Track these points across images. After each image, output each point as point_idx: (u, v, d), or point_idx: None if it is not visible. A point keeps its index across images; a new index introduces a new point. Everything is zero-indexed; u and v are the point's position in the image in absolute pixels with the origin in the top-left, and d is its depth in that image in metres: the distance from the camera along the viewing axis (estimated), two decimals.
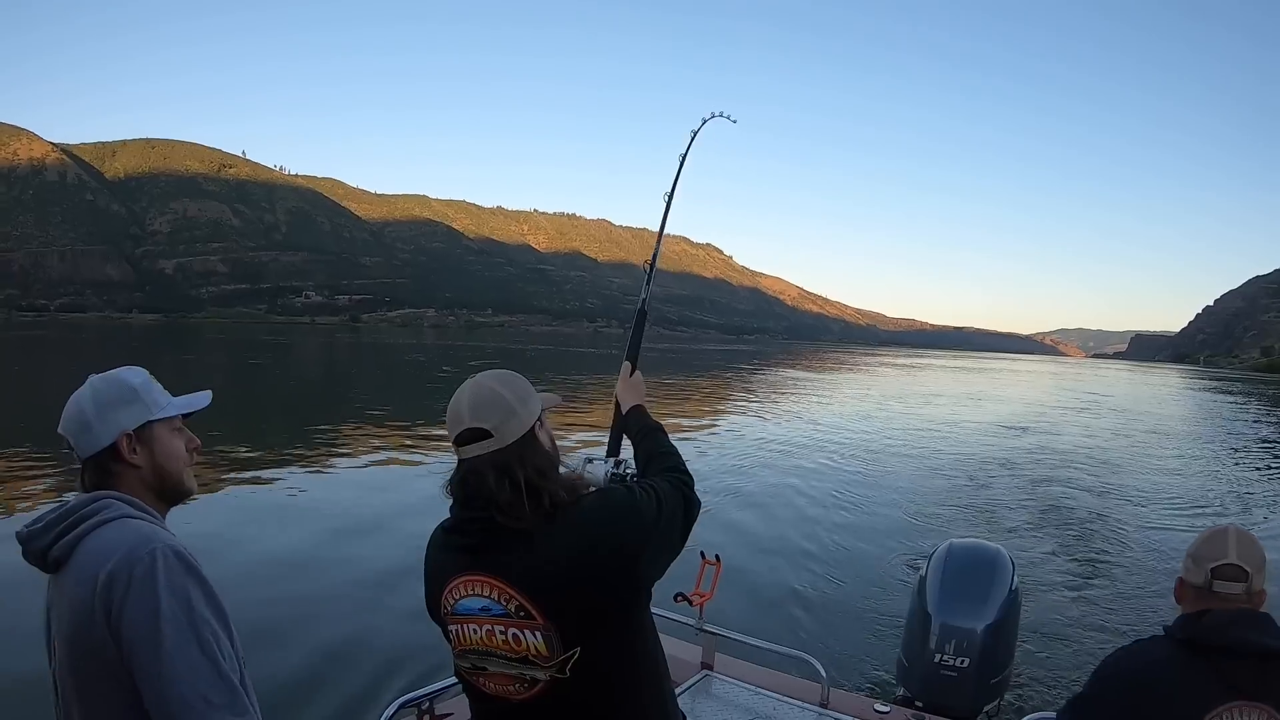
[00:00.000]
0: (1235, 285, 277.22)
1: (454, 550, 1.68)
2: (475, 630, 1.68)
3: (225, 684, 1.39)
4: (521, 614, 1.62)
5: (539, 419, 1.71)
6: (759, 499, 12.68)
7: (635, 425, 2.10)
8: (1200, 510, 14.37)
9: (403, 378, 40.19)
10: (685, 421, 23.13)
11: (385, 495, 12.09)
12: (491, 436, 1.63)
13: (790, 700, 2.90)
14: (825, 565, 9.23)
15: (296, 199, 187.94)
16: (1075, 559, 10.01)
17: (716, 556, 2.70)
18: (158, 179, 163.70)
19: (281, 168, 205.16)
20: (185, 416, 1.65)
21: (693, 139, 2.92)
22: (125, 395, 1.55)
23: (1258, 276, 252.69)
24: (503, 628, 1.64)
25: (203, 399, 1.69)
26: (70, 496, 1.54)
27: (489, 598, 1.65)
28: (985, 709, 3.85)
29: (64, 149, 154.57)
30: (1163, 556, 10.25)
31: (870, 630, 6.97)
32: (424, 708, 2.47)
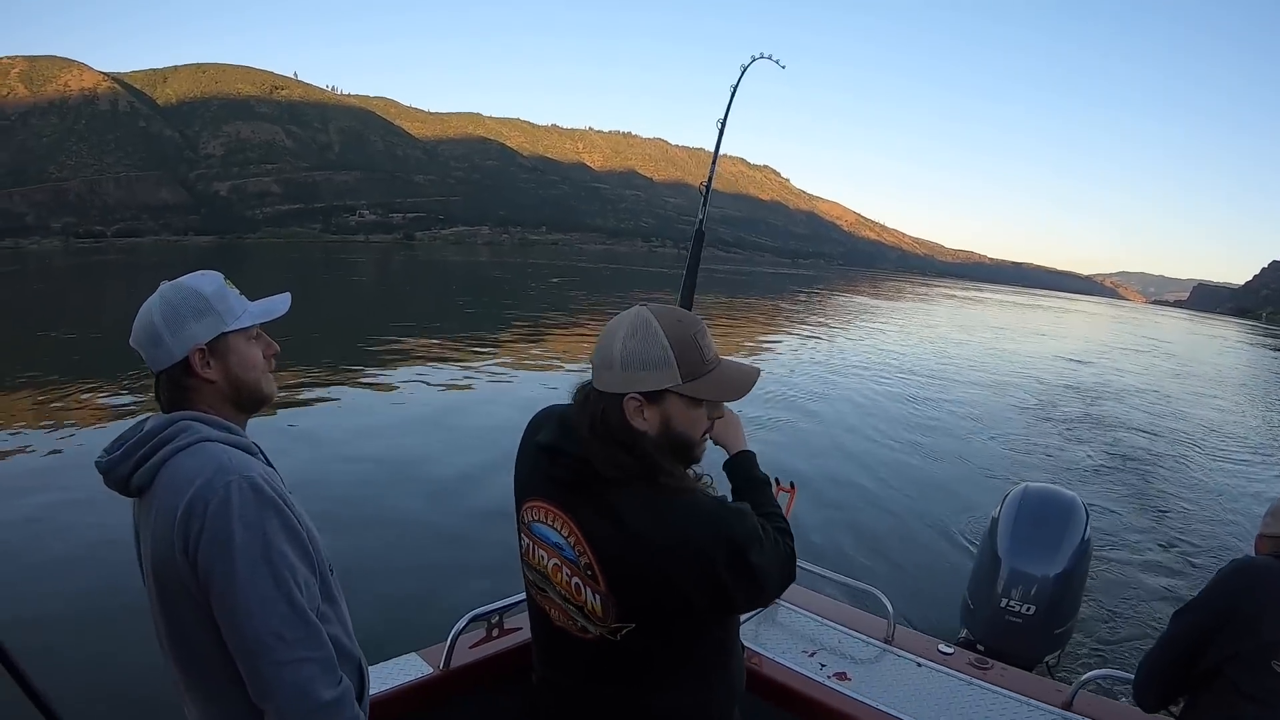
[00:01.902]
0: None
1: (543, 470, 1.62)
2: (544, 558, 1.65)
3: (300, 619, 1.36)
4: (589, 572, 1.58)
5: (646, 395, 1.56)
6: (829, 426, 12.77)
7: (743, 473, 1.93)
8: (1270, 464, 14.13)
9: (495, 292, 40.66)
10: (748, 344, 23.15)
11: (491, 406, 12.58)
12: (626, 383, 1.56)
13: (855, 634, 2.84)
14: (895, 497, 9.31)
15: (349, 119, 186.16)
16: (1144, 510, 9.83)
17: (791, 483, 2.46)
18: (210, 103, 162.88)
19: (333, 88, 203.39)
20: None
21: (742, 73, 3.05)
22: (197, 306, 1.50)
23: None
24: (569, 571, 1.61)
25: (281, 304, 1.61)
26: (147, 417, 1.50)
27: (565, 538, 1.60)
28: (1046, 659, 3.94)
29: (115, 78, 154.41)
30: (1234, 515, 10.00)
31: (937, 568, 6.99)
32: (493, 621, 2.52)
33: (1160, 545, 8.60)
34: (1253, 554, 1.99)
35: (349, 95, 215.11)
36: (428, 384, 14.47)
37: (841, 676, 2.56)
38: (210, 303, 1.51)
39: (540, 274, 57.59)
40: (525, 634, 2.27)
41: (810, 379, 17.56)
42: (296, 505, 1.46)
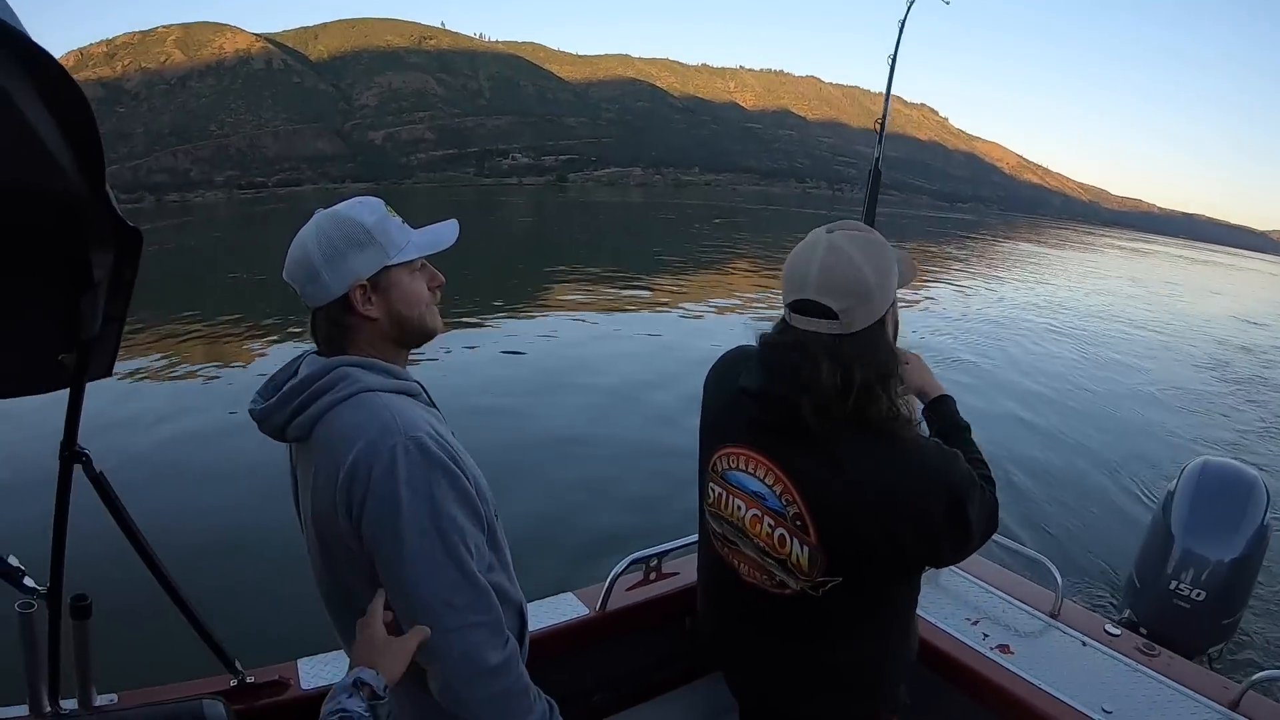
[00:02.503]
0: None
1: (745, 415, 1.54)
2: (740, 508, 1.59)
3: (469, 583, 1.33)
4: (798, 523, 1.51)
5: (893, 304, 1.52)
6: (993, 381, 12.62)
7: (946, 418, 1.82)
8: None
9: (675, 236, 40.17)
10: (909, 294, 21.40)
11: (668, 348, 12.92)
12: (836, 319, 1.43)
13: (1020, 605, 2.77)
14: (1062, 460, 9.10)
15: (498, 65, 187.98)
16: None
17: None
18: (360, 56, 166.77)
19: (481, 35, 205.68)
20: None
21: (909, 8, 2.94)
22: (358, 237, 1.41)
23: None
24: (773, 523, 1.54)
25: (449, 232, 1.53)
26: (302, 356, 1.47)
27: (770, 487, 1.53)
28: (1209, 650, 3.75)
29: (267, 38, 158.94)
30: None
31: (1104, 540, 6.74)
32: (652, 564, 2.57)
33: None
34: None
35: (497, 42, 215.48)
36: (607, 323, 14.51)
37: (1004, 649, 2.50)
38: (372, 234, 1.42)
39: (701, 215, 56.56)
40: (683, 579, 2.50)
41: (973, 331, 17.25)
42: (464, 456, 1.40)
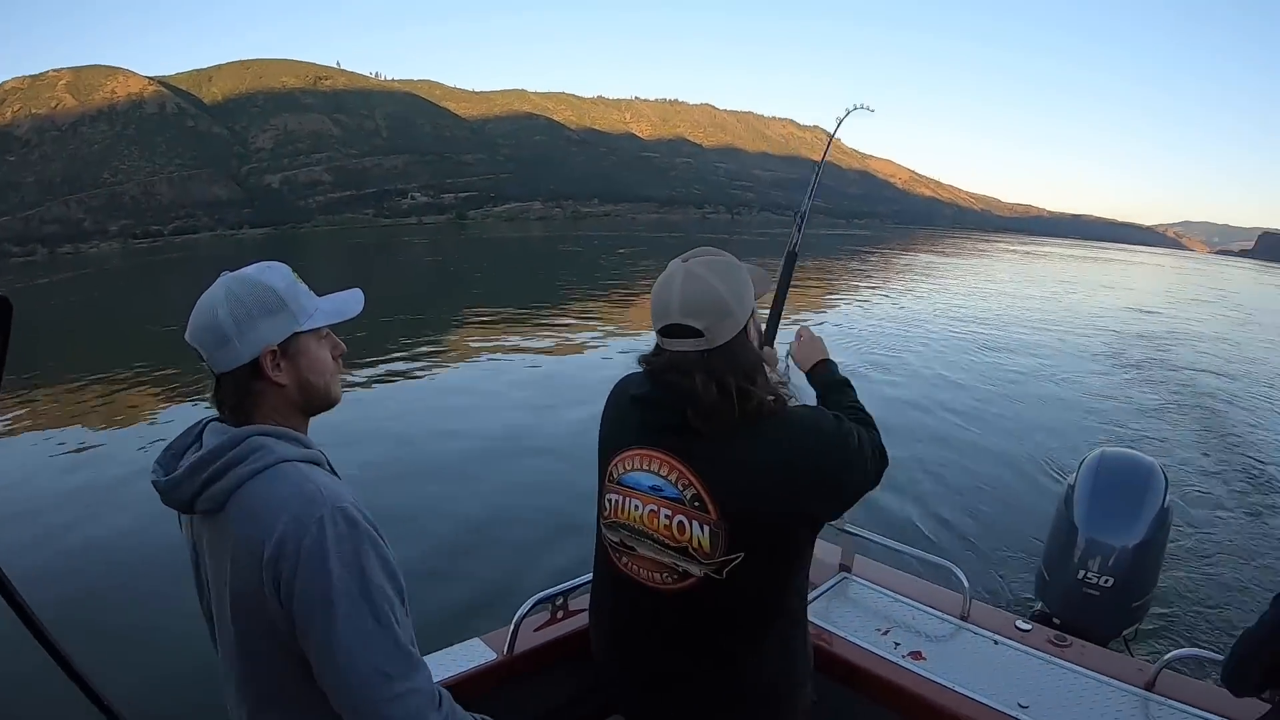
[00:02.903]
0: None
1: (638, 420, 1.65)
2: (637, 507, 1.65)
3: (401, 653, 1.33)
4: (696, 503, 1.58)
5: (752, 312, 1.64)
6: (896, 391, 12.62)
7: (824, 382, 2.02)
8: None
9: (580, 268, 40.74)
10: (814, 304, 23.56)
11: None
12: (701, 336, 1.56)
13: (930, 610, 2.79)
14: (965, 464, 9.13)
15: (395, 104, 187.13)
16: (1229, 474, 9.52)
17: None
18: (255, 98, 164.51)
19: (377, 74, 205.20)
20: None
21: (838, 125, 3.06)
22: (269, 302, 1.40)
23: None
24: (669, 512, 1.61)
25: (354, 302, 1.53)
26: (201, 425, 1.44)
27: (665, 478, 1.61)
28: (1123, 633, 3.81)
29: (160, 81, 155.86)
30: None
31: (1011, 538, 6.80)
32: (558, 603, 2.55)
33: (1248, 513, 8.16)
34: None
35: (393, 80, 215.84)
36: (498, 360, 14.38)
37: (916, 655, 2.52)
38: (284, 300, 1.40)
39: (607, 246, 57.73)
40: None
41: (871, 342, 17.49)
42: (375, 525, 1.39)
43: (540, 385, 12.74)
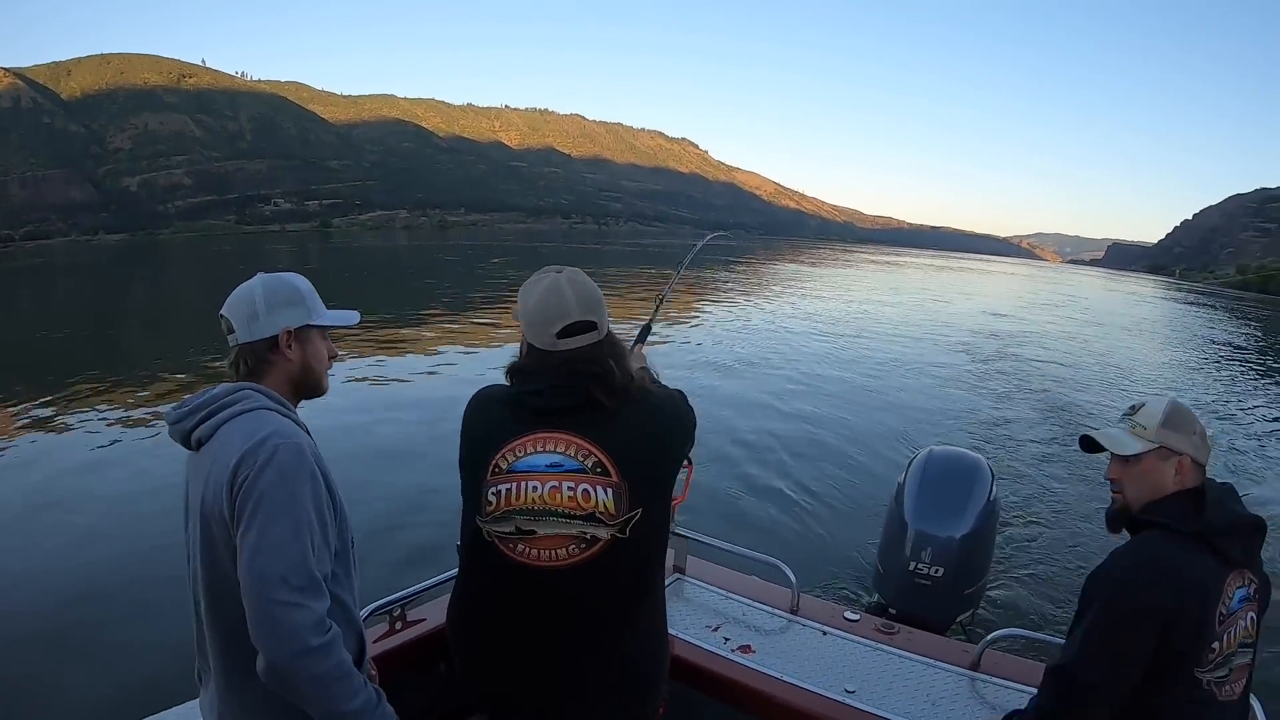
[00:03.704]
0: (1215, 201, 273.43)
1: (526, 411, 1.79)
2: (535, 488, 1.75)
3: (306, 571, 1.49)
4: (599, 469, 1.74)
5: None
6: (735, 398, 12.57)
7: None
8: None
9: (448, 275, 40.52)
10: (672, 313, 22.50)
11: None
12: (596, 329, 1.80)
13: (760, 606, 2.91)
14: (802, 468, 9.20)
15: (260, 105, 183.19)
16: (1060, 461, 10.08)
17: (689, 459, 2.55)
18: (116, 95, 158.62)
19: (243, 74, 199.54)
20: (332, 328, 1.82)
21: (694, 252, 3.62)
22: (293, 296, 1.72)
23: (1238, 194, 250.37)
24: (572, 483, 1.74)
25: (353, 317, 1.86)
26: (216, 386, 1.69)
27: (564, 454, 1.75)
28: (959, 619, 3.92)
29: (16, 73, 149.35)
30: None
31: (846, 537, 7.00)
32: (395, 614, 2.47)
33: (1084, 496, 8.54)
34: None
35: (259, 81, 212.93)
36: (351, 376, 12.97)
37: (746, 650, 2.58)
38: (304, 297, 1.75)
39: (481, 255, 57.08)
40: (432, 623, 2.44)
41: (723, 347, 17.64)
42: (333, 482, 1.64)
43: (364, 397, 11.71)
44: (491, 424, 1.83)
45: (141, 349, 17.14)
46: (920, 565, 3.79)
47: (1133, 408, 1.91)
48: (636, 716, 1.92)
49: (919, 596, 3.80)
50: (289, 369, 1.73)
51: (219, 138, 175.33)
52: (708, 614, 2.81)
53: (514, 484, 1.76)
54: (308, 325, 1.73)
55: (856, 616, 2.85)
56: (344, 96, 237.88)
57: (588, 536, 1.74)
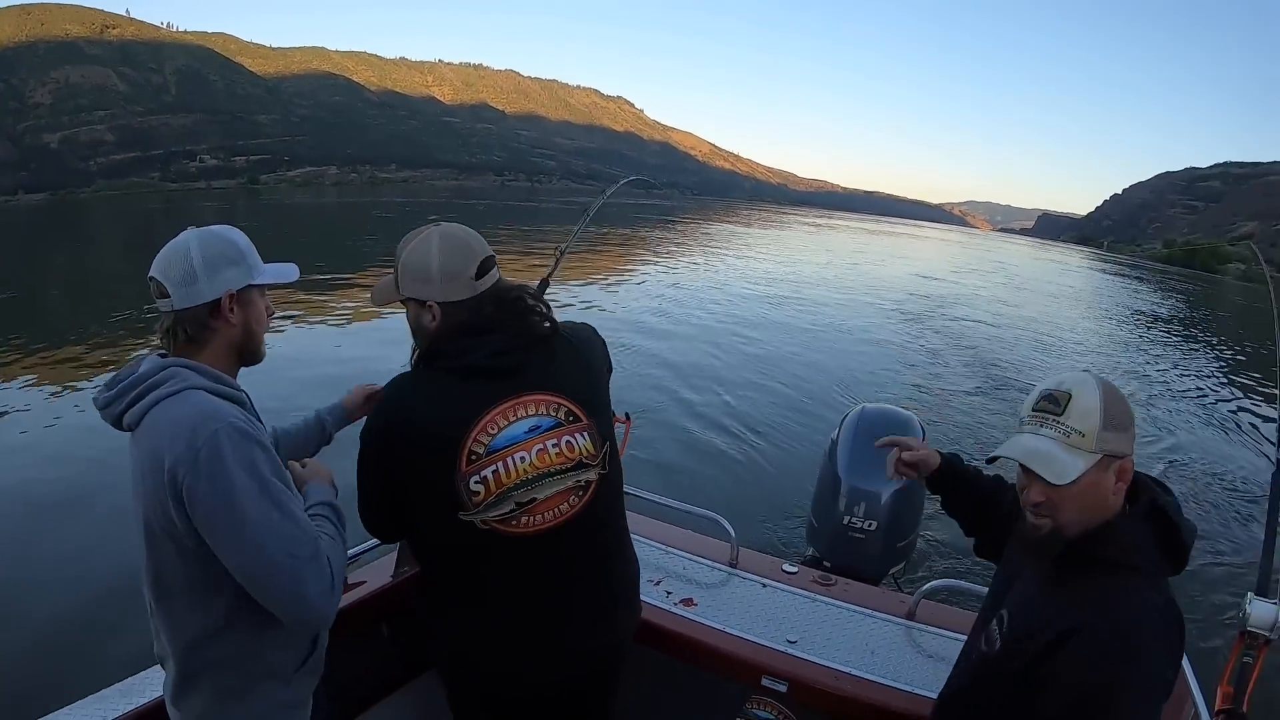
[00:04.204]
0: (1144, 178, 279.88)
1: (486, 384, 1.75)
2: (524, 458, 1.74)
3: (305, 535, 1.51)
4: (571, 418, 1.79)
5: None
6: (672, 356, 12.66)
7: None
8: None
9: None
10: (606, 271, 23.73)
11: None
12: (495, 268, 1.81)
13: (700, 559, 2.91)
14: (738, 425, 9.33)
15: (186, 57, 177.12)
16: (986, 422, 10.55)
17: (626, 414, 2.66)
18: (36, 47, 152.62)
19: (169, 24, 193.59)
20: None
21: (606, 195, 3.73)
22: (233, 254, 1.63)
23: (1168, 172, 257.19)
24: (555, 440, 1.77)
25: (292, 271, 1.78)
26: (143, 356, 1.62)
27: (538, 414, 1.76)
28: (891, 571, 3.96)
29: None
30: None
31: (785, 491, 7.01)
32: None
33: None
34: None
35: (185, 32, 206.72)
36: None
37: (688, 603, 2.62)
38: (245, 255, 1.65)
39: (420, 212, 53.68)
40: (372, 585, 2.48)
41: (659, 307, 17.71)
42: (262, 436, 1.58)
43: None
44: (447, 413, 1.74)
45: (67, 316, 16.37)
46: (853, 519, 3.83)
47: (1053, 399, 1.45)
48: (630, 625, 2.10)
49: (853, 549, 3.84)
50: (231, 335, 1.66)
51: (143, 91, 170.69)
52: (649, 568, 2.76)
53: (500, 463, 1.73)
54: (250, 285, 1.66)
55: (794, 569, 2.91)
56: (273, 49, 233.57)
57: (582, 483, 1.80)
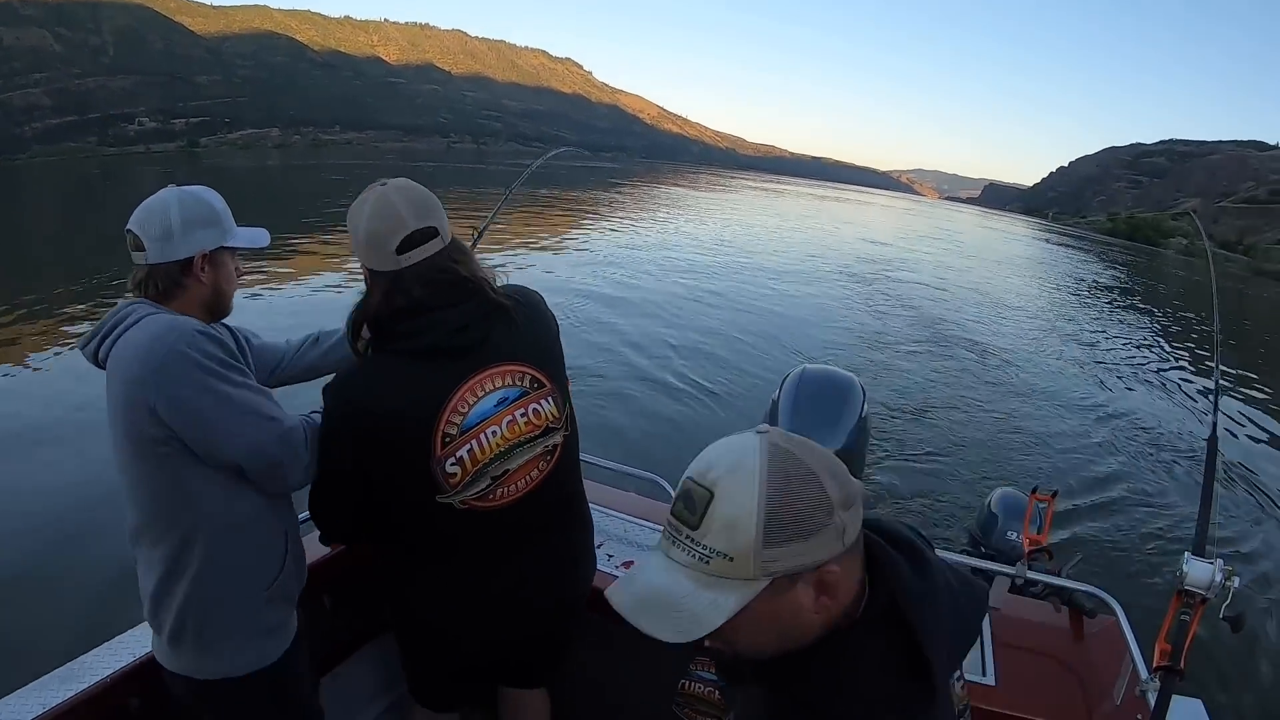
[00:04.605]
0: (1090, 152, 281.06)
1: (451, 362, 1.69)
2: (495, 432, 1.71)
3: (267, 414, 1.60)
4: (535, 385, 1.77)
5: None
6: (615, 318, 12.67)
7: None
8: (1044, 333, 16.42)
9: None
10: (547, 237, 23.25)
11: None
12: (439, 235, 1.69)
13: (641, 522, 2.86)
14: (687, 386, 9.32)
15: (124, 17, 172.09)
16: (930, 379, 10.79)
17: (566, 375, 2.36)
18: None
19: None
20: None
21: (538, 162, 3.93)
22: (209, 216, 1.70)
23: (1114, 147, 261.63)
24: (522, 409, 1.74)
25: (263, 237, 1.86)
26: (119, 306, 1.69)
27: (504, 386, 1.72)
28: None
29: None
30: (1008, 378, 11.62)
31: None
32: None
33: (939, 418, 9.03)
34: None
35: None
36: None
37: (629, 565, 2.47)
38: (220, 217, 1.72)
39: (368, 175, 54.69)
40: (313, 555, 2.25)
41: (601, 271, 17.35)
42: (221, 338, 1.66)
43: None
44: (416, 396, 1.68)
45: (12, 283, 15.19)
46: None
47: (689, 499, 0.91)
48: (589, 579, 2.10)
49: None
50: (201, 292, 1.73)
51: (80, 53, 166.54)
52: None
53: (473, 441, 1.69)
54: (222, 247, 1.74)
55: None
56: (214, 7, 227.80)
57: (549, 448, 1.80)
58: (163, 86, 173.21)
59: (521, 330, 1.76)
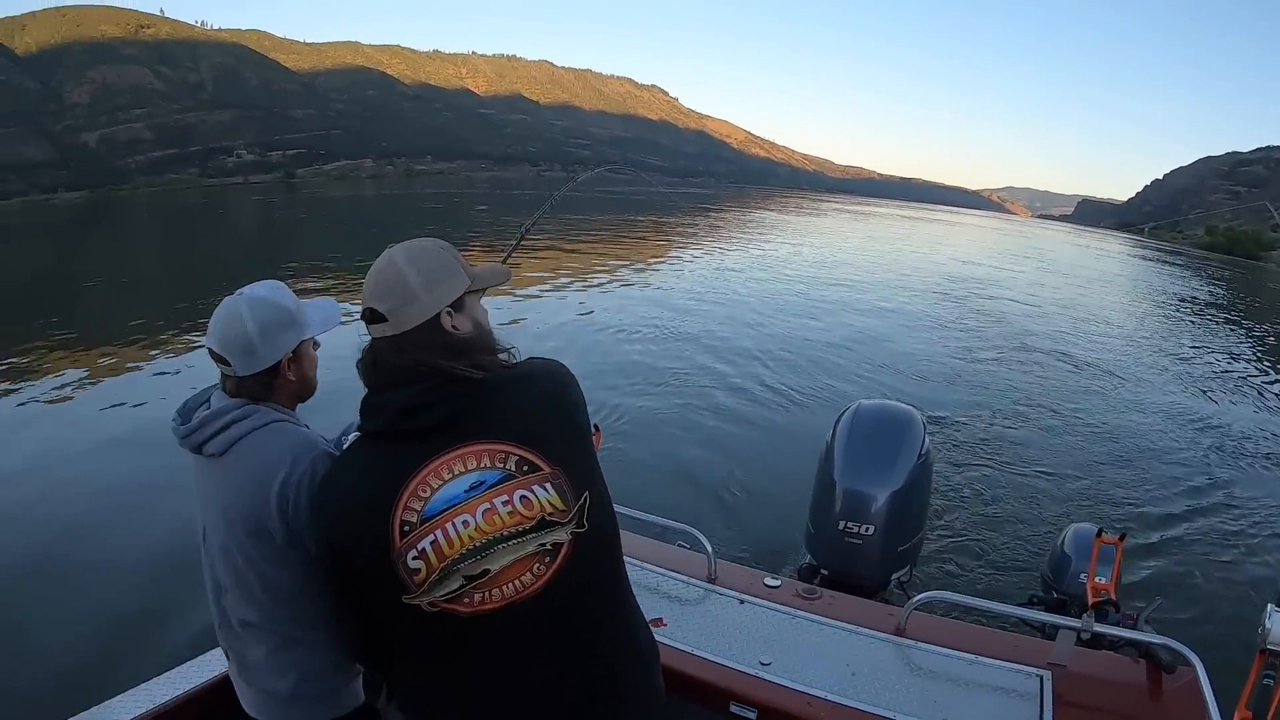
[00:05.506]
0: (1185, 163, 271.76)
1: (410, 445, 1.51)
2: (467, 523, 1.47)
3: None
4: (526, 469, 1.51)
5: (453, 305, 1.60)
6: (698, 345, 12.46)
7: None
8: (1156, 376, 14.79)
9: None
10: (652, 258, 24.16)
11: None
12: (386, 321, 1.55)
13: (675, 576, 2.81)
14: (733, 432, 8.91)
15: (221, 55, 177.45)
16: (1014, 413, 10.17)
17: (595, 426, 2.33)
18: (72, 48, 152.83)
19: (203, 23, 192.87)
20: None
21: (573, 180, 3.11)
22: (285, 319, 1.77)
23: (1209, 157, 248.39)
24: (504, 496, 1.48)
25: (335, 314, 1.91)
26: (211, 389, 1.83)
27: (479, 469, 1.49)
28: (895, 576, 3.79)
29: None
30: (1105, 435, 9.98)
31: (781, 498, 6.72)
32: None
33: (1016, 453, 8.51)
34: None
35: (220, 30, 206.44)
36: None
37: (657, 623, 2.48)
38: (295, 316, 1.78)
39: (467, 202, 57.51)
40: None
41: (699, 301, 17.15)
42: None
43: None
44: (373, 479, 1.54)
45: (116, 312, 16.10)
46: (850, 524, 3.67)
47: None
48: (646, 707, 1.74)
49: (850, 556, 3.71)
50: (292, 387, 1.83)
51: (179, 89, 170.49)
52: None
53: (438, 532, 1.48)
54: (301, 341, 1.80)
55: (778, 582, 2.80)
56: (307, 44, 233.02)
57: (549, 546, 1.52)
58: (260, 120, 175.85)
59: (509, 404, 1.56)
